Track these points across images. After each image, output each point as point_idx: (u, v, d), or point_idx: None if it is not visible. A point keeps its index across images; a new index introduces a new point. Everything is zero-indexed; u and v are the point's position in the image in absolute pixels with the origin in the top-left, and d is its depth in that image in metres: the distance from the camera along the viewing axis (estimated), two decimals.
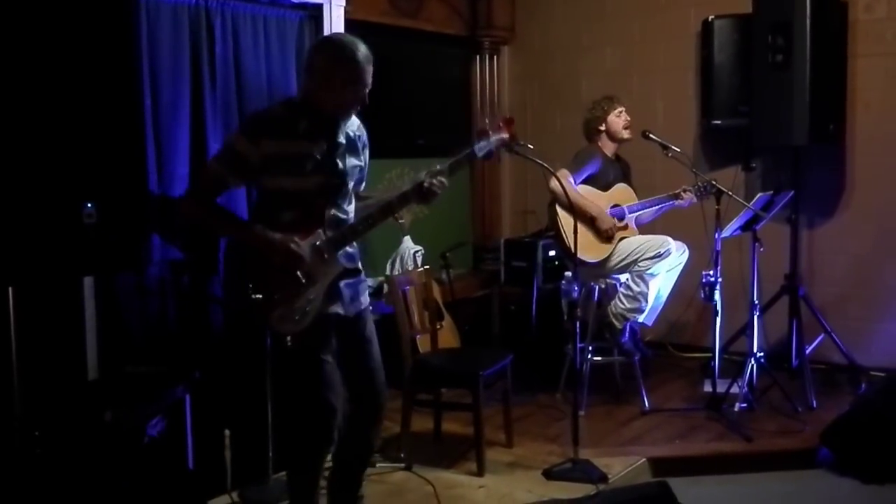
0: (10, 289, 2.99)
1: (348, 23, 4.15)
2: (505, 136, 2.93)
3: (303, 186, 2.73)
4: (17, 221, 3.10)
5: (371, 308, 3.02)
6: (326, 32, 4.04)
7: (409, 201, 2.82)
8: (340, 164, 2.79)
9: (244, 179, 2.79)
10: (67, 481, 3.03)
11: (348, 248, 2.86)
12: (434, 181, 2.76)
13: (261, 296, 2.69)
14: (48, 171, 3.18)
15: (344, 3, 4.11)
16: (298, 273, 2.72)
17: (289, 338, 2.75)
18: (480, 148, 2.88)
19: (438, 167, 2.80)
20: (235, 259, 2.78)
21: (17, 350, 3.03)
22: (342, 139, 2.81)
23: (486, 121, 3.01)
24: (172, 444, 3.28)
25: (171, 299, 3.42)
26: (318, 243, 2.75)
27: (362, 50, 2.71)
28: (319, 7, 4.02)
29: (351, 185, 2.85)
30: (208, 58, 3.62)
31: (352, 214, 2.87)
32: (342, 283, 2.84)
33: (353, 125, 2.87)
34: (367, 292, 2.99)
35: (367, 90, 2.74)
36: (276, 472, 3.53)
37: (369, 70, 2.71)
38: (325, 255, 2.76)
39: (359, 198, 2.94)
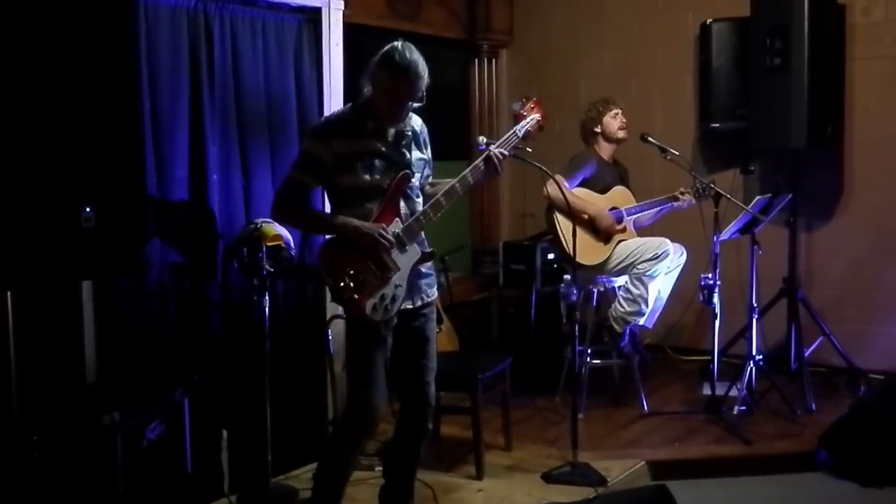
0: (9, 293, 2.99)
1: (347, 26, 4.15)
2: (538, 116, 3.14)
3: (376, 181, 2.88)
4: (16, 225, 3.09)
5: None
6: (325, 36, 4.04)
7: (479, 174, 2.98)
8: (408, 156, 2.96)
9: (321, 180, 2.92)
10: (66, 485, 3.03)
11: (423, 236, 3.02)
12: (497, 152, 2.98)
13: (353, 286, 2.80)
14: (46, 175, 3.17)
15: (343, 7, 4.11)
16: (385, 258, 2.84)
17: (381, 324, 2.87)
18: (521, 127, 3.10)
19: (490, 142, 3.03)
20: (327, 259, 2.87)
21: (16, 354, 3.03)
22: (408, 132, 2.98)
23: (518, 104, 3.17)
24: (171, 447, 3.28)
25: (170, 303, 3.42)
26: (397, 231, 2.89)
27: (411, 59, 2.83)
28: (318, 11, 4.02)
29: (418, 177, 3.00)
30: (207, 61, 3.62)
31: (421, 207, 3.00)
32: (420, 272, 2.99)
33: (416, 122, 3.04)
34: (435, 285, 3.11)
35: (419, 99, 2.89)
36: (274, 477, 3.53)
37: (415, 80, 2.84)
38: (406, 243, 2.91)
39: (424, 193, 3.06)
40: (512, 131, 3.10)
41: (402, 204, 2.93)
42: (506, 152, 3.02)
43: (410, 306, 2.97)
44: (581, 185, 4.52)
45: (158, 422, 3.27)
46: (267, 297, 3.37)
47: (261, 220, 3.49)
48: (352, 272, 2.81)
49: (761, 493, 3.81)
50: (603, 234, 4.46)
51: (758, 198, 4.37)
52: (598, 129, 4.62)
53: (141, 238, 3.37)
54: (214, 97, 3.65)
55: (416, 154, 2.99)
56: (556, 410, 4.52)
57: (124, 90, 3.34)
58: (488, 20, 5.95)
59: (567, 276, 4.55)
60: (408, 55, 2.83)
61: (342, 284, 2.79)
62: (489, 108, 6.08)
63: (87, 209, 3.19)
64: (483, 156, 2.99)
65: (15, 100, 3.09)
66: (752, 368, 4.38)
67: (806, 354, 4.69)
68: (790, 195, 4.60)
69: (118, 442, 3.15)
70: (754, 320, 4.41)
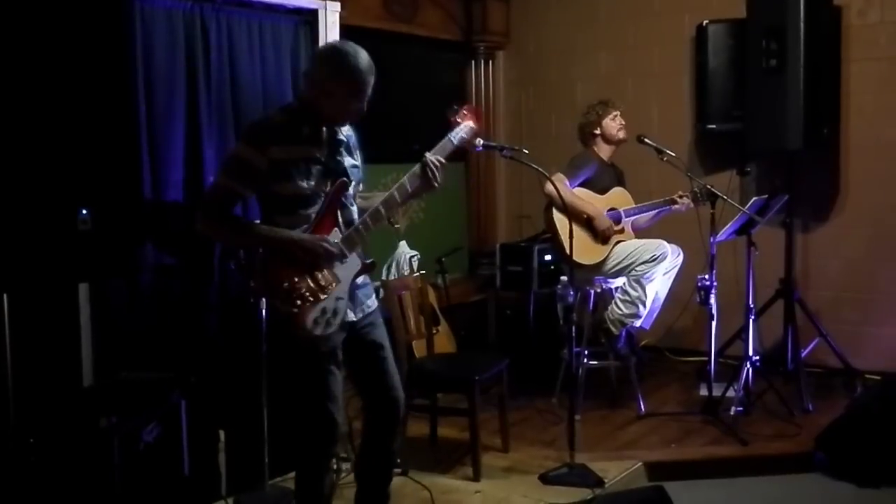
0: (5, 295, 2.99)
1: (343, 28, 4.15)
2: (472, 124, 3.01)
3: (312, 188, 2.75)
4: (12, 228, 3.09)
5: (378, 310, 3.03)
6: (321, 38, 4.04)
7: (416, 182, 2.85)
8: (343, 163, 2.84)
9: (255, 189, 2.76)
10: (63, 488, 3.03)
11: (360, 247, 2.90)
12: (433, 159, 2.84)
13: (290, 301, 2.68)
14: (43, 178, 3.17)
15: (339, 9, 4.12)
16: (327, 271, 2.73)
17: (322, 345, 2.75)
18: (455, 135, 2.97)
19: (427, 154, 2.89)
20: (262, 276, 2.75)
21: (12, 357, 3.03)
22: (343, 138, 2.86)
23: (451, 111, 3.04)
24: (168, 449, 3.28)
25: (167, 305, 3.42)
26: (337, 241, 2.78)
27: (364, 61, 2.73)
28: (314, 12, 4.02)
29: (353, 184, 2.89)
30: (203, 63, 3.62)
31: (356, 216, 2.90)
32: (358, 283, 2.87)
33: (346, 128, 2.90)
34: (374, 295, 3.01)
35: (367, 100, 2.76)
36: (272, 479, 3.52)
37: (371, 81, 2.74)
38: (346, 254, 2.79)
39: (359, 198, 2.97)
40: (447, 138, 2.95)
41: (341, 213, 2.81)
42: (442, 159, 2.86)
43: (353, 318, 2.84)
44: (581, 185, 4.53)
45: (155, 424, 3.27)
46: (264, 299, 3.36)
47: (257, 221, 3.48)
48: (287, 286, 2.67)
49: (758, 494, 3.81)
50: (601, 234, 4.46)
51: (754, 199, 4.37)
52: (597, 132, 4.62)
53: (137, 240, 3.37)
54: (211, 99, 3.65)
55: (349, 160, 2.86)
56: (554, 412, 4.52)
57: (120, 93, 3.34)
58: (485, 22, 5.96)
59: (564, 278, 4.55)
60: (362, 54, 2.72)
61: (279, 301, 2.68)
62: (486, 110, 6.08)
63: (84, 212, 3.20)
64: (420, 163, 2.85)
65: (11, 102, 3.09)
66: (748, 369, 4.37)
67: (802, 355, 4.69)
68: (786, 196, 4.60)
69: (115, 444, 3.15)
70: (751, 321, 4.41)
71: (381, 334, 2.97)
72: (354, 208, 2.90)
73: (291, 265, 2.70)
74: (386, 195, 2.86)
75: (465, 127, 3.00)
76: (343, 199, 2.83)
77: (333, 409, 2.84)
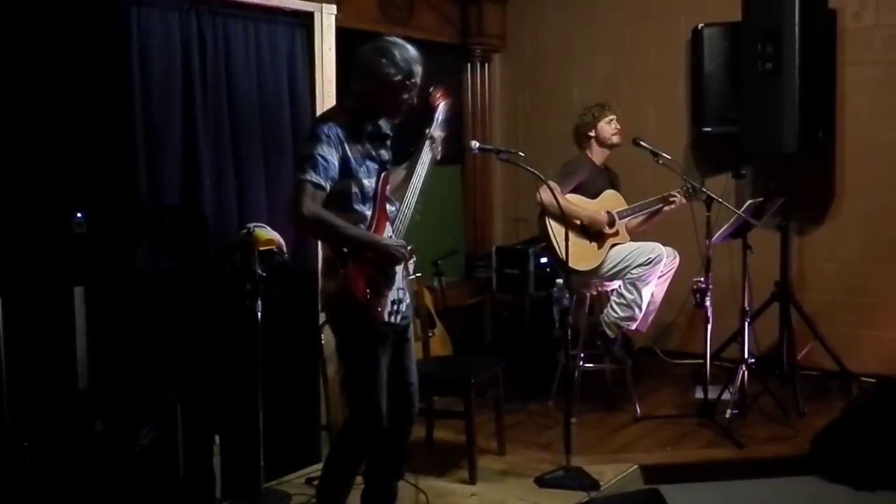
0: (0, 298, 2.98)
1: (339, 31, 4.15)
2: (447, 102, 3.19)
3: (367, 187, 2.88)
4: (7, 231, 3.08)
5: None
6: (317, 40, 4.04)
7: (427, 159, 3.03)
8: (385, 157, 2.98)
9: (331, 184, 2.81)
10: (58, 492, 3.02)
11: None
12: (434, 134, 3.08)
13: (371, 296, 2.82)
14: (38, 181, 3.17)
15: (335, 11, 4.11)
16: (396, 268, 2.89)
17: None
18: (441, 112, 3.16)
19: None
20: (349, 275, 2.82)
21: (7, 360, 3.02)
22: (388, 132, 2.99)
23: (429, 92, 3.20)
24: (163, 453, 3.27)
25: (162, 308, 3.41)
26: (391, 235, 2.92)
27: (415, 51, 2.86)
28: (310, 15, 4.02)
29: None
30: (199, 66, 3.61)
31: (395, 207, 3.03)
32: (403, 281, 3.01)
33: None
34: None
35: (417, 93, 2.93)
36: (267, 482, 3.52)
37: (421, 72, 2.87)
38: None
39: None
40: (439, 120, 3.15)
41: (389, 207, 2.97)
42: (441, 132, 3.11)
43: (405, 310, 3.00)
44: (573, 190, 4.53)
45: (150, 427, 3.26)
46: (259, 302, 3.36)
47: (253, 224, 3.48)
48: (366, 282, 2.81)
49: (754, 497, 3.81)
50: (596, 238, 4.46)
51: (749, 201, 4.38)
52: (592, 134, 4.62)
53: (133, 243, 3.36)
54: (207, 102, 3.64)
55: (385, 154, 2.99)
56: (549, 415, 4.52)
57: (116, 95, 3.33)
58: (481, 24, 5.96)
59: (560, 281, 4.56)
60: (411, 47, 2.85)
61: (368, 296, 2.80)
62: (482, 113, 6.09)
63: (79, 215, 3.19)
64: (427, 138, 3.08)
65: (5, 104, 3.09)
66: (744, 372, 4.38)
67: (798, 358, 4.70)
68: (782, 199, 4.61)
69: (110, 447, 3.15)
70: (746, 324, 4.42)
71: (409, 327, 3.10)
72: (394, 202, 3.03)
73: (365, 261, 2.81)
74: (412, 180, 2.99)
75: (442, 109, 3.16)
76: (386, 193, 2.97)
77: (383, 401, 2.93)
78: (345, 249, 2.82)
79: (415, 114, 3.03)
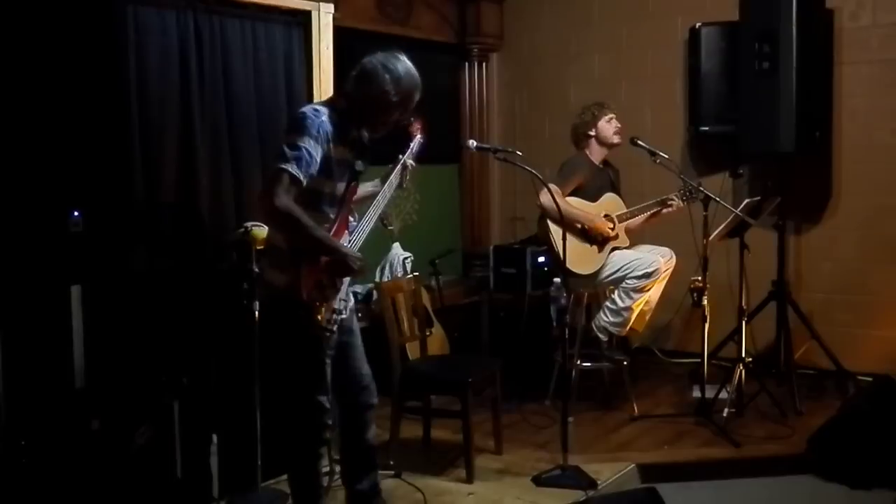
0: None
1: (336, 30, 4.15)
2: (420, 135, 3.25)
3: (338, 190, 2.90)
4: (3, 230, 3.08)
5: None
6: (314, 39, 4.04)
7: (395, 182, 3.11)
8: (357, 168, 2.97)
9: (308, 181, 2.76)
10: (54, 491, 3.02)
11: None
12: (408, 161, 3.15)
13: (319, 298, 2.82)
14: (34, 180, 3.16)
15: (332, 10, 4.11)
16: (345, 279, 2.91)
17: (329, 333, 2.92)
18: (413, 146, 3.23)
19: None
20: (290, 265, 2.82)
21: (3, 359, 3.01)
22: (367, 143, 2.98)
23: (412, 120, 3.25)
24: (160, 452, 3.27)
25: (159, 307, 3.41)
26: (346, 242, 2.92)
27: (417, 75, 2.91)
28: (308, 14, 4.02)
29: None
30: (196, 65, 3.61)
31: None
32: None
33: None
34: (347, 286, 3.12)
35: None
36: (264, 481, 3.52)
37: (417, 98, 2.93)
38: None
39: None
40: (410, 151, 3.22)
41: (352, 215, 3.00)
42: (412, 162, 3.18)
43: (344, 316, 3.00)
44: (574, 191, 4.52)
45: (147, 426, 3.26)
46: (257, 301, 3.36)
47: (250, 223, 3.48)
48: (315, 285, 2.80)
49: (750, 496, 3.82)
50: (596, 241, 4.47)
51: (746, 201, 4.38)
52: (591, 133, 4.62)
53: (129, 242, 3.36)
54: (204, 101, 3.64)
55: (359, 165, 2.98)
56: (547, 414, 4.52)
57: (112, 94, 3.33)
58: (478, 24, 5.96)
59: (557, 280, 4.55)
60: (415, 72, 2.89)
61: (313, 296, 2.80)
62: (480, 112, 6.09)
63: (76, 213, 3.19)
64: (400, 164, 3.14)
65: (3, 104, 3.08)
66: (741, 371, 4.39)
67: (795, 357, 4.70)
68: (779, 198, 4.62)
69: (107, 447, 3.15)
70: (743, 323, 4.43)
71: (352, 320, 3.10)
72: (354, 214, 3.04)
73: (318, 264, 2.80)
74: (377, 198, 3.03)
75: (418, 141, 3.23)
76: (352, 202, 2.98)
77: (324, 399, 2.94)
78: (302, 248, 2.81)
79: (391, 136, 3.07)
